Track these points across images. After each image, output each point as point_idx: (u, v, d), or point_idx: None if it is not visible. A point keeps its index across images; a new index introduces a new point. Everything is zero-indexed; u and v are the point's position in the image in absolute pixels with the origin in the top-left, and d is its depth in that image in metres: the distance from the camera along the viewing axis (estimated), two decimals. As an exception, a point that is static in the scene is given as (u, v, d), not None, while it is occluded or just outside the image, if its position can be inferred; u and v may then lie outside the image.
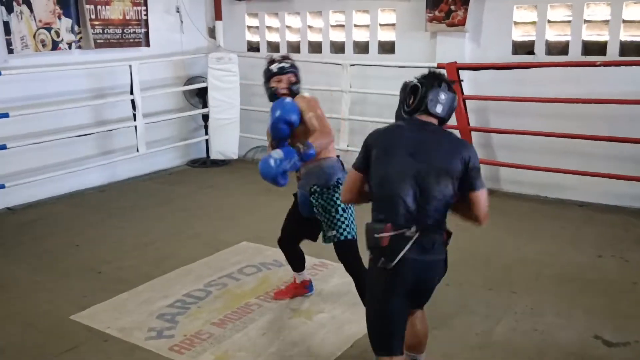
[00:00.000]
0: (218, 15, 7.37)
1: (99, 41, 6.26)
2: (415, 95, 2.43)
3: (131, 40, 6.61)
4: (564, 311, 3.56)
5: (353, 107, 6.51)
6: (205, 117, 7.24)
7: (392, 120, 2.92)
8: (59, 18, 5.92)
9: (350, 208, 3.18)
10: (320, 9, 7.00)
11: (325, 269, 4.16)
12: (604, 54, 5.43)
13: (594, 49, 5.53)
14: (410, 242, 2.28)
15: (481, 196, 2.38)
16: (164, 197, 6.12)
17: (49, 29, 5.84)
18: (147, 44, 6.77)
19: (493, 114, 6.02)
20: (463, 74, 5.80)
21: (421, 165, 2.32)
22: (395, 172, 2.33)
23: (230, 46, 7.36)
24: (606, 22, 5.44)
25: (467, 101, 5.86)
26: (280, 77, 3.24)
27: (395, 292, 2.35)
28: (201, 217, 5.45)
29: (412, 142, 2.37)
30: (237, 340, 3.27)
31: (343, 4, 6.81)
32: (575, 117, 5.50)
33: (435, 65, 5.81)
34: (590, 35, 5.56)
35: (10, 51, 5.53)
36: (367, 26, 6.72)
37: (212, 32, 7.51)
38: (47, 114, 5.79)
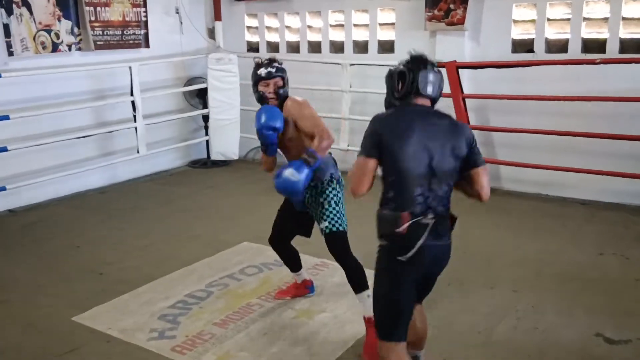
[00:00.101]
0: (217, 16, 7.38)
1: (98, 43, 6.26)
2: (403, 81, 2.42)
3: (131, 42, 6.61)
4: (565, 309, 3.56)
5: (353, 107, 6.52)
6: (206, 118, 7.25)
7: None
8: (59, 20, 5.93)
9: (341, 201, 3.26)
10: (319, 8, 7.00)
11: (326, 269, 4.16)
12: (604, 51, 5.43)
13: (594, 46, 5.53)
14: (428, 230, 2.31)
15: (484, 171, 2.43)
16: (164, 198, 6.12)
17: (48, 31, 5.85)
18: (147, 45, 6.77)
19: (493, 113, 6.02)
20: (463, 73, 5.80)
21: (434, 150, 2.32)
22: (412, 158, 2.30)
23: (230, 47, 7.36)
24: (605, 19, 5.44)
25: (467, 100, 5.86)
26: (267, 81, 3.24)
27: (407, 280, 2.37)
28: (202, 218, 5.45)
29: (422, 126, 2.34)
30: (239, 340, 3.28)
31: (342, 4, 6.81)
32: (576, 114, 5.49)
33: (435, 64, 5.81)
34: (590, 32, 5.56)
35: (11, 53, 5.54)
36: (367, 25, 6.72)
37: (211, 33, 7.51)
38: (47, 116, 5.80)
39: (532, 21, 5.78)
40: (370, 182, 2.39)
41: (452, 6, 5.88)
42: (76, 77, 6.11)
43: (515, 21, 5.86)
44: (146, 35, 6.75)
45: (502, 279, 3.98)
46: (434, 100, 2.47)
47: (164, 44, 6.96)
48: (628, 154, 5.32)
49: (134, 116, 6.37)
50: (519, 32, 5.90)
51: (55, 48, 5.93)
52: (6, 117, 5.32)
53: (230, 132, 7.03)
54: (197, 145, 7.56)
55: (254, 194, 6.01)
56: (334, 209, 3.21)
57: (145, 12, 6.71)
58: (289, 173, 3.03)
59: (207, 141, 7.35)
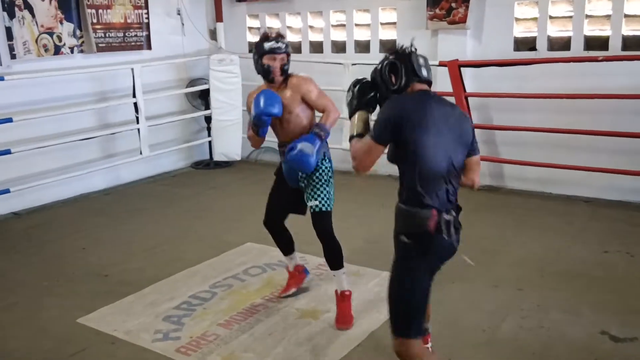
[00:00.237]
0: (219, 17, 7.39)
1: (100, 45, 6.27)
2: (395, 73, 2.40)
3: (133, 44, 6.62)
4: (570, 307, 3.55)
5: (355, 107, 6.50)
6: (208, 119, 7.25)
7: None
8: (61, 23, 5.94)
9: (330, 181, 3.39)
10: (320, 8, 7.00)
11: (331, 269, 4.16)
12: (606, 48, 5.42)
13: (596, 44, 5.52)
14: (451, 226, 2.31)
15: (479, 160, 2.46)
16: (167, 199, 6.13)
17: (51, 34, 5.86)
18: (149, 47, 6.78)
19: (496, 111, 6.01)
20: (465, 71, 5.80)
21: (452, 141, 2.30)
22: (436, 151, 2.25)
23: (232, 47, 7.37)
24: (608, 16, 5.43)
25: (469, 98, 5.85)
26: (275, 56, 3.29)
27: (427, 276, 2.36)
28: (205, 219, 5.46)
29: (440, 115, 2.30)
30: (244, 341, 3.28)
31: (343, 4, 6.81)
32: (578, 112, 5.48)
33: (437, 63, 5.81)
34: (592, 30, 5.55)
35: (13, 56, 5.55)
36: (368, 25, 6.72)
37: (213, 34, 7.52)
38: (50, 119, 5.81)
39: (534, 19, 5.77)
40: (374, 164, 2.37)
41: (453, 5, 5.88)
42: (78, 80, 6.12)
43: (517, 19, 5.85)
44: (148, 37, 6.76)
45: (507, 277, 3.97)
46: (430, 84, 2.45)
47: (165, 45, 6.97)
48: (632, 151, 5.30)
49: (137, 118, 6.38)
50: (521, 30, 5.89)
51: (57, 51, 5.94)
52: (9, 120, 5.33)
53: (233, 132, 7.04)
54: (199, 146, 7.57)
55: (257, 194, 5.97)
56: (325, 189, 3.35)
57: (147, 13, 6.72)
58: (303, 146, 3.16)
59: (210, 142, 7.35)
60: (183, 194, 6.32)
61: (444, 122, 2.29)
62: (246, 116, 7.43)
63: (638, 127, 5.13)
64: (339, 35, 6.99)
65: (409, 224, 2.34)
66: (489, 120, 6.06)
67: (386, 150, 2.37)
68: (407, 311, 2.36)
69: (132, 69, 6.22)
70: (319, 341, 3.26)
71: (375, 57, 6.55)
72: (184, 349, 3.21)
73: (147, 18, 6.73)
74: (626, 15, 5.34)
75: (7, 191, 5.44)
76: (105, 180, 6.53)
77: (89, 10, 6.10)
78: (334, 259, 3.40)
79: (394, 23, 6.54)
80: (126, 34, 6.53)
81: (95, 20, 6.19)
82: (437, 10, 5.97)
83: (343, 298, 3.42)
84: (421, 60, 2.41)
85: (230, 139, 7.06)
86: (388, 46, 6.59)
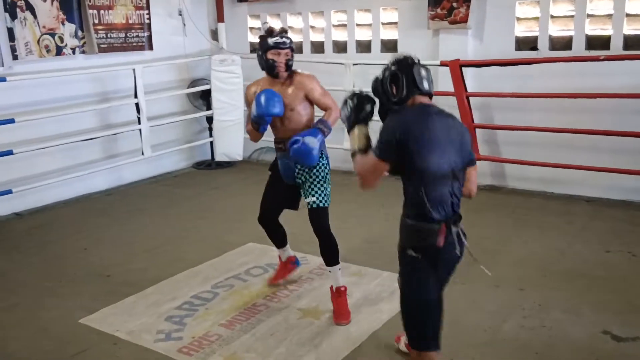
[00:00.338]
0: (220, 18, 7.39)
1: (102, 46, 6.28)
2: (397, 83, 2.39)
3: (134, 44, 6.63)
4: (572, 307, 3.55)
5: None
6: (210, 119, 7.26)
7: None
8: (63, 23, 5.95)
9: (327, 178, 3.44)
10: (322, 9, 7.00)
11: (332, 269, 4.16)
12: (608, 48, 5.41)
13: (598, 43, 5.51)
14: (457, 238, 2.33)
15: (476, 170, 2.48)
16: (169, 200, 6.14)
17: (52, 35, 5.87)
18: (151, 48, 6.79)
19: (497, 111, 6.01)
20: (466, 71, 5.79)
21: (454, 154, 2.32)
22: (440, 165, 2.26)
23: (233, 48, 7.37)
24: (609, 16, 5.42)
25: (470, 98, 5.85)
26: (279, 51, 3.33)
27: (437, 288, 2.38)
28: (207, 219, 5.46)
29: (442, 129, 2.30)
30: (245, 341, 3.28)
31: (345, 4, 6.81)
32: (580, 111, 5.48)
33: (438, 62, 5.81)
34: (594, 29, 5.54)
35: (15, 57, 5.55)
36: (369, 25, 6.72)
37: (214, 35, 7.53)
38: (52, 119, 5.82)
39: (536, 18, 5.76)
40: (379, 181, 2.37)
41: (455, 4, 5.87)
42: (80, 80, 6.13)
43: (518, 19, 5.85)
44: (149, 38, 6.77)
45: (508, 277, 3.97)
46: (431, 96, 2.45)
47: (167, 46, 6.98)
48: (634, 151, 5.29)
49: (138, 118, 6.39)
50: (522, 30, 5.88)
51: (59, 51, 5.95)
52: (11, 121, 5.34)
53: (234, 133, 7.05)
54: (201, 146, 7.58)
55: (258, 194, 5.95)
56: (322, 185, 3.41)
57: (149, 14, 6.73)
58: (308, 140, 3.22)
59: (211, 142, 7.36)
60: (185, 195, 6.33)
61: (446, 135, 2.31)
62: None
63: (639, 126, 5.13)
64: (340, 35, 6.99)
65: (418, 239, 2.33)
66: (491, 119, 6.05)
67: None
68: (423, 322, 2.37)
69: (134, 70, 6.23)
70: (321, 341, 3.26)
71: (377, 57, 6.57)
72: (186, 349, 3.22)
73: (149, 18, 6.73)
74: (627, 15, 5.33)
75: (9, 192, 5.45)
76: (107, 181, 6.54)
77: (90, 11, 6.11)
78: (330, 254, 3.45)
79: (395, 23, 6.54)
80: (128, 35, 6.54)
81: (96, 21, 6.20)
82: (439, 10, 5.97)
83: (339, 294, 3.47)
84: (423, 72, 2.40)
85: (231, 139, 7.07)
86: (389, 46, 6.61)
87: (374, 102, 2.52)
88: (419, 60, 2.44)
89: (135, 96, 6.31)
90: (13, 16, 5.51)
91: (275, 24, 7.37)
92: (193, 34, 7.24)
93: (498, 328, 3.34)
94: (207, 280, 4.09)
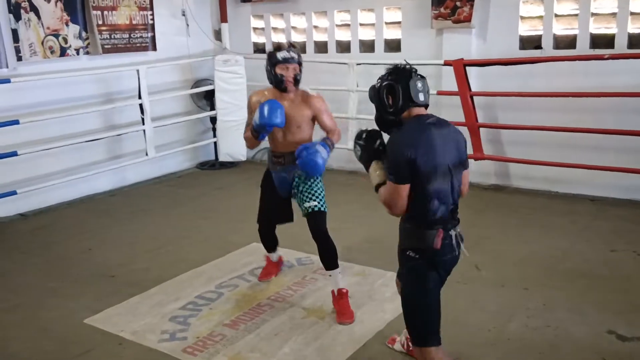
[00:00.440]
0: (223, 18, 7.40)
1: (106, 46, 6.29)
2: (393, 95, 2.43)
3: (138, 45, 6.64)
4: (577, 306, 3.54)
5: (360, 106, 6.50)
6: (213, 120, 7.27)
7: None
8: (67, 24, 5.96)
9: (322, 185, 3.54)
10: (325, 8, 7.00)
11: (336, 269, 4.16)
12: (612, 46, 5.39)
13: (602, 42, 5.49)
14: (454, 241, 2.42)
15: (468, 172, 2.55)
16: (173, 200, 6.15)
17: (56, 36, 5.89)
18: (154, 48, 6.80)
19: (501, 110, 5.99)
20: (470, 70, 5.78)
21: (452, 161, 2.40)
22: (440, 177, 2.36)
23: (237, 48, 7.38)
24: (614, 14, 5.40)
25: (474, 97, 5.83)
26: (288, 65, 3.39)
27: (437, 287, 2.48)
28: (211, 219, 5.47)
29: (440, 140, 2.38)
30: (250, 341, 3.28)
31: (348, 4, 6.80)
32: (584, 110, 5.46)
33: (442, 62, 5.80)
34: (598, 28, 5.52)
35: (19, 58, 5.57)
36: (373, 25, 6.71)
37: (218, 35, 7.53)
38: (56, 120, 5.83)
39: (540, 17, 5.74)
40: (406, 201, 2.39)
41: (458, 4, 5.86)
42: (84, 81, 6.14)
43: (522, 17, 5.83)
44: (153, 38, 6.78)
45: (512, 277, 3.96)
46: (427, 107, 2.50)
47: (171, 46, 6.99)
48: (638, 149, 5.27)
49: (142, 119, 6.40)
50: (526, 29, 5.87)
51: (63, 52, 5.96)
52: (16, 122, 5.36)
53: (238, 133, 7.00)
54: (205, 147, 7.58)
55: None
56: (321, 192, 3.51)
57: (152, 15, 6.74)
58: (320, 149, 3.30)
59: (215, 143, 7.37)
60: (188, 195, 6.33)
61: (444, 144, 2.38)
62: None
63: (644, 125, 5.11)
64: (343, 35, 6.98)
65: (416, 241, 2.43)
66: (495, 119, 6.04)
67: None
68: (423, 320, 2.48)
69: (138, 70, 6.24)
70: (325, 341, 3.26)
71: (380, 57, 6.56)
72: (190, 349, 3.22)
73: (152, 19, 6.74)
74: (632, 13, 5.31)
75: (13, 193, 5.47)
76: (111, 182, 6.56)
77: (94, 12, 6.12)
78: (330, 258, 3.50)
79: (399, 22, 6.53)
80: (131, 36, 6.55)
81: (100, 22, 6.21)
82: (442, 9, 5.96)
83: (341, 296, 3.51)
84: (419, 85, 2.42)
85: (235, 140, 7.05)
86: (393, 46, 6.60)
87: (381, 135, 2.58)
88: (416, 70, 2.47)
89: (139, 97, 6.32)
90: (17, 17, 5.52)
91: (279, 24, 7.42)
92: (196, 34, 7.25)
93: (502, 328, 3.33)
94: (211, 280, 4.09)
